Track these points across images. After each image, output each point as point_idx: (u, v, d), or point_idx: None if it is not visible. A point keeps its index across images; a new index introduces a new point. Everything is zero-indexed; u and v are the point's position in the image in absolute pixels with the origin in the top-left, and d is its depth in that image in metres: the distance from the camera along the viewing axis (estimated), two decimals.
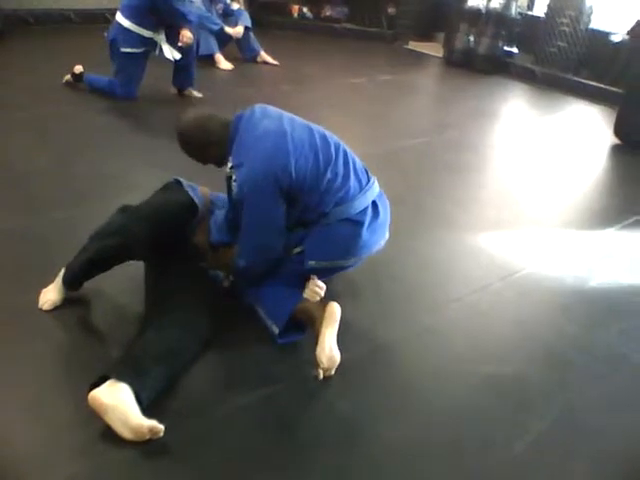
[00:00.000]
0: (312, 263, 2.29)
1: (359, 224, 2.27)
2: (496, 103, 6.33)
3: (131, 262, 2.38)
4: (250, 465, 1.80)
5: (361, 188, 2.29)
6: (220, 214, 2.46)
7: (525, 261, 3.11)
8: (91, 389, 1.81)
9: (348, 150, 2.35)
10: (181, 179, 2.51)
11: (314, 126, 2.33)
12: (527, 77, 7.03)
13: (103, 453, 1.77)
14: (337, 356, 2.11)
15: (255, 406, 2.01)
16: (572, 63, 6.76)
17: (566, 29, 6.67)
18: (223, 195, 2.49)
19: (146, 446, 1.78)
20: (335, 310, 2.16)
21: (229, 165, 2.23)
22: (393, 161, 4.10)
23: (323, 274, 2.37)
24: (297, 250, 2.33)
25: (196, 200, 2.45)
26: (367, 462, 1.87)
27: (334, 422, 2.01)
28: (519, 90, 6.85)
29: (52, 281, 2.35)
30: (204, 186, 2.56)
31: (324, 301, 2.25)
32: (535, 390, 2.25)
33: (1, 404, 1.92)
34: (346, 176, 2.25)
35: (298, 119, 2.33)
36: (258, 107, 2.33)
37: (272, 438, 1.90)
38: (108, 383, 1.80)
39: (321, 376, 2.12)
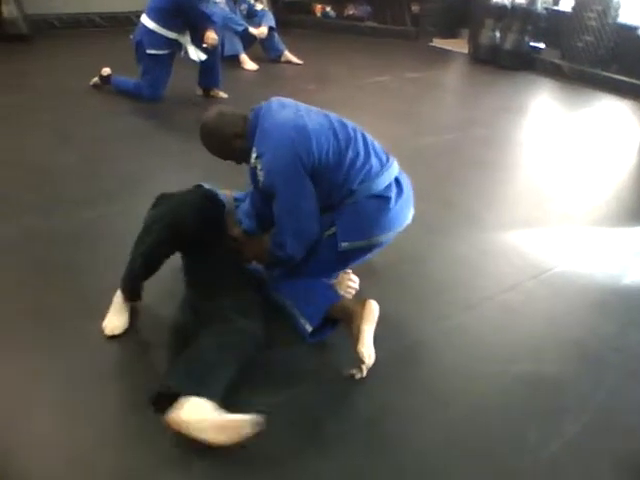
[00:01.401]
0: (345, 245, 2.29)
1: (386, 199, 2.29)
2: (523, 99, 6.26)
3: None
4: (276, 464, 1.78)
5: (382, 165, 2.31)
6: (246, 204, 2.48)
7: (557, 259, 3.06)
8: (157, 405, 1.79)
9: (366, 133, 2.37)
10: (202, 183, 2.52)
11: (330, 113, 2.37)
12: (554, 72, 6.94)
13: (134, 456, 1.78)
14: (373, 354, 2.11)
15: (281, 406, 1.99)
16: (600, 58, 6.66)
17: (593, 23, 6.56)
18: (243, 193, 2.55)
19: (175, 447, 1.78)
20: (374, 307, 2.18)
21: (253, 155, 2.24)
22: (420, 158, 4.07)
23: (355, 257, 2.38)
24: (328, 233, 2.32)
25: (220, 196, 2.49)
26: (393, 462, 1.85)
27: (361, 422, 1.99)
28: (546, 86, 6.77)
29: (84, 281, 2.36)
30: (227, 189, 2.57)
31: (359, 298, 2.24)
32: (569, 390, 2.21)
33: (29, 406, 1.94)
34: (367, 154, 2.28)
35: (314, 108, 2.37)
36: (274, 99, 2.36)
37: (298, 438, 1.89)
38: (181, 400, 1.75)
39: (362, 374, 2.11)
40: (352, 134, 2.28)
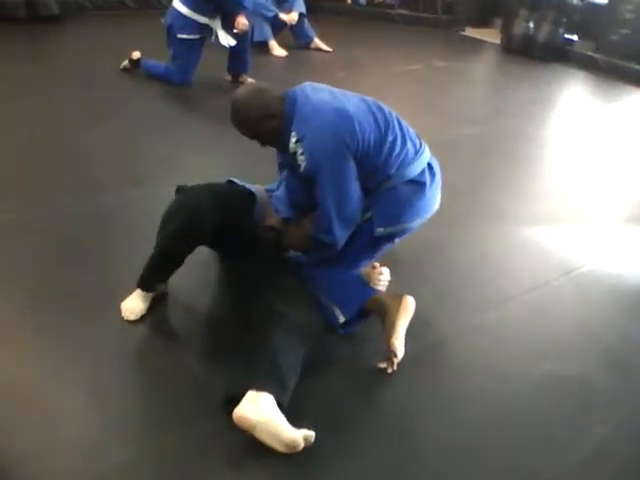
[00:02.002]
0: (380, 230, 2.28)
1: (422, 184, 2.29)
2: (555, 91, 6.16)
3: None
4: (299, 459, 1.77)
5: (416, 151, 2.30)
6: (280, 192, 2.46)
7: (585, 257, 3.01)
8: (229, 404, 1.79)
9: (400, 117, 2.35)
10: (232, 178, 2.51)
11: (366, 96, 2.33)
12: (588, 65, 6.82)
13: (153, 442, 1.79)
14: (403, 349, 2.11)
15: (305, 397, 1.98)
16: (636, 51, 6.51)
17: (630, 16, 6.43)
18: (273, 185, 2.51)
19: (195, 440, 1.78)
20: (410, 303, 2.18)
21: (293, 140, 2.18)
22: (449, 149, 4.01)
23: (386, 243, 2.38)
24: (363, 218, 2.30)
25: (252, 189, 2.45)
26: (415, 459, 1.84)
27: (383, 417, 1.99)
28: (579, 78, 6.65)
29: (108, 262, 2.37)
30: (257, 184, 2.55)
31: (395, 293, 2.25)
32: (596, 393, 2.18)
33: (58, 389, 1.96)
34: (403, 139, 2.27)
35: (348, 92, 2.32)
36: (307, 84, 2.31)
37: (322, 432, 1.87)
38: (249, 396, 1.76)
39: (394, 367, 2.11)
40: (389, 118, 2.26)
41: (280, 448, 1.72)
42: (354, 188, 2.20)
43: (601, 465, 1.88)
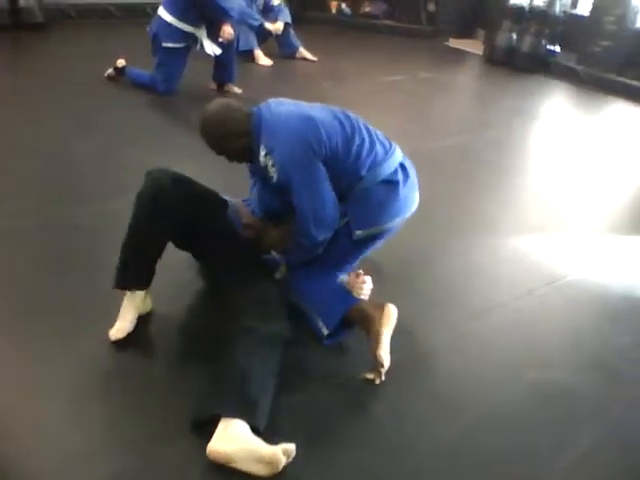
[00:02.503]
0: (359, 233, 2.30)
1: (396, 183, 2.31)
2: (537, 102, 6.22)
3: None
4: (286, 467, 1.75)
5: (386, 152, 2.33)
6: (255, 197, 2.50)
7: (571, 266, 3.03)
8: (196, 427, 1.79)
9: (367, 123, 2.39)
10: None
11: (331, 106, 2.38)
12: (570, 76, 6.89)
13: (139, 455, 1.76)
14: (389, 359, 2.10)
15: (292, 408, 1.98)
16: (617, 63, 6.60)
17: (611, 28, 6.51)
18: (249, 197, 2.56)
19: (181, 454, 1.76)
20: (392, 312, 2.18)
21: (262, 153, 2.23)
22: (433, 160, 4.04)
23: (367, 246, 2.39)
24: (341, 223, 2.31)
25: (224, 196, 2.50)
26: (404, 468, 1.83)
27: (372, 427, 1.98)
28: (561, 89, 6.73)
29: (95, 275, 2.35)
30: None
31: (377, 301, 2.25)
32: (582, 402, 2.19)
33: (45, 402, 1.92)
34: (372, 142, 2.30)
35: (314, 103, 2.37)
36: (271, 100, 2.36)
37: (309, 441, 1.87)
38: (220, 428, 1.73)
39: (381, 378, 2.10)
40: (356, 124, 2.30)
41: (262, 470, 1.68)
42: (327, 190, 2.22)
43: (587, 473, 1.89)
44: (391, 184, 2.30)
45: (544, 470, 1.88)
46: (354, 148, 2.24)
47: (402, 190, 2.32)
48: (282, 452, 1.68)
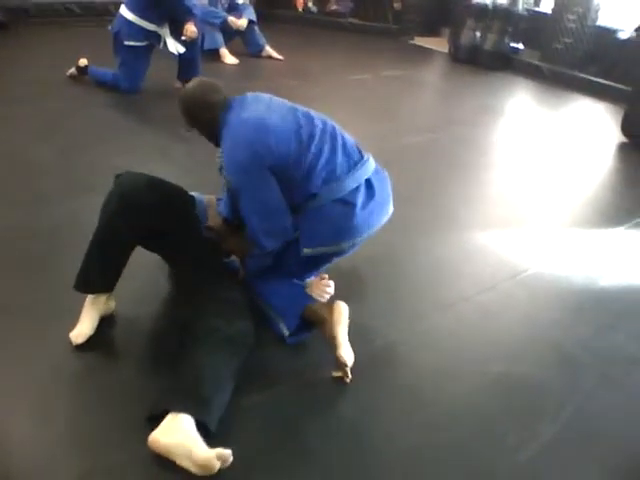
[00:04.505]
0: (307, 251, 2.23)
1: (351, 205, 2.19)
2: (502, 100, 6.29)
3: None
4: (253, 467, 1.76)
5: (350, 166, 2.22)
6: (225, 195, 2.45)
7: (534, 260, 3.07)
8: (151, 421, 1.76)
9: (338, 128, 2.30)
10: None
11: (300, 107, 2.31)
12: (533, 74, 6.99)
13: (105, 458, 1.75)
14: (352, 354, 2.10)
15: (259, 408, 1.98)
16: (579, 60, 6.72)
17: (573, 25, 6.63)
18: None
19: (147, 456, 1.73)
20: (343, 308, 2.17)
21: (219, 152, 2.25)
22: (399, 158, 4.06)
23: (323, 261, 2.36)
24: (295, 236, 2.27)
25: (194, 194, 2.47)
26: (372, 463, 1.84)
27: (339, 423, 1.98)
28: (525, 87, 6.81)
29: (58, 277, 2.31)
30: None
31: (335, 299, 2.23)
32: (545, 392, 2.22)
33: (10, 406, 1.89)
34: (332, 152, 2.20)
35: (287, 102, 2.33)
36: (249, 93, 2.32)
37: (276, 440, 1.87)
38: (168, 418, 1.72)
39: (349, 376, 2.10)
40: (318, 131, 2.20)
41: (194, 469, 1.67)
42: (275, 198, 2.17)
43: (549, 463, 1.91)
44: (347, 205, 2.19)
45: (509, 460, 1.90)
46: (308, 157, 2.15)
47: (360, 212, 2.20)
48: (217, 457, 1.66)
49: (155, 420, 1.76)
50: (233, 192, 2.24)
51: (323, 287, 2.39)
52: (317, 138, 2.18)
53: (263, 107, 2.22)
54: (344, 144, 2.25)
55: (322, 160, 2.17)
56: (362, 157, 2.29)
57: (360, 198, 2.21)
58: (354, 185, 2.20)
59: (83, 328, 2.14)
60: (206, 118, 2.28)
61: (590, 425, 2.09)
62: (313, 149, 2.16)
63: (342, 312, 2.15)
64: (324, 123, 2.26)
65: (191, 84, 2.34)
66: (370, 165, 2.30)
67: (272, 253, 2.28)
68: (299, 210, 2.22)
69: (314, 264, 2.37)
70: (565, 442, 1.99)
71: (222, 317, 2.05)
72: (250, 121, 2.16)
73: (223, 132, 2.21)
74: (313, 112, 2.31)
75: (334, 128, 2.28)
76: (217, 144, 2.32)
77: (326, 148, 2.19)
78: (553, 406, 2.15)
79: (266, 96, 2.32)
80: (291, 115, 2.22)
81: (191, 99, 2.29)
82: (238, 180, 2.16)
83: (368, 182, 2.25)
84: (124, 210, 2.12)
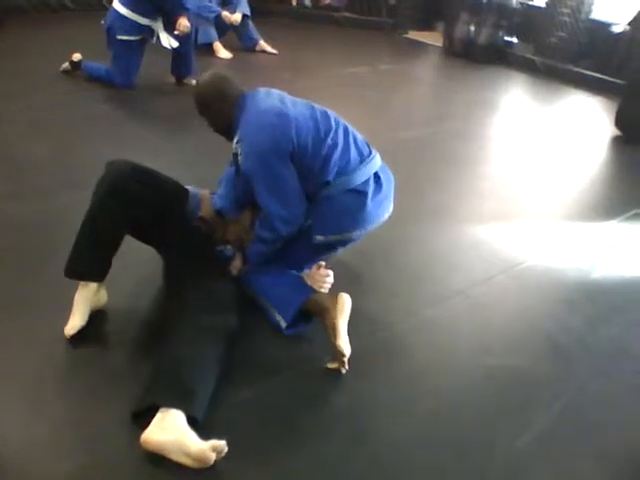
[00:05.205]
0: (319, 238, 2.31)
1: (363, 194, 2.30)
2: (496, 93, 6.29)
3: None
4: (248, 458, 1.77)
5: (362, 160, 2.33)
6: (221, 188, 2.50)
7: (527, 253, 3.09)
8: (137, 417, 1.77)
9: (348, 125, 2.40)
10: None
11: (315, 104, 2.39)
12: (527, 67, 6.99)
13: (107, 447, 1.75)
14: (349, 347, 2.11)
15: (254, 398, 1.99)
16: (572, 54, 6.72)
17: (567, 19, 6.63)
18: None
19: (140, 451, 1.73)
20: (346, 301, 2.18)
21: (235, 139, 2.27)
22: (394, 151, 4.03)
23: (328, 250, 2.41)
24: (306, 224, 2.32)
25: (186, 186, 2.47)
26: (367, 456, 1.85)
27: (334, 416, 2.00)
28: (519, 80, 6.81)
29: (52, 270, 2.31)
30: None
31: (331, 292, 2.24)
32: (539, 384, 2.23)
33: (1, 401, 1.90)
34: (346, 146, 2.30)
35: (300, 99, 2.40)
36: (262, 89, 2.39)
37: (271, 431, 1.88)
38: (157, 416, 1.72)
39: (345, 367, 2.11)
40: (333, 126, 2.30)
41: (190, 463, 1.68)
42: (292, 187, 2.23)
43: (543, 454, 1.93)
44: (359, 194, 2.29)
45: (503, 452, 1.92)
46: (325, 148, 2.24)
47: (370, 202, 2.30)
48: (212, 449, 1.67)
49: (141, 416, 1.76)
50: (248, 179, 2.26)
51: (323, 277, 2.41)
52: (332, 132, 2.28)
53: (278, 100, 2.30)
54: (355, 140, 2.36)
55: (337, 153, 2.26)
56: (371, 152, 2.39)
57: (370, 189, 2.31)
58: (365, 177, 2.31)
59: (74, 321, 2.15)
60: (218, 107, 2.34)
61: (583, 416, 2.10)
62: (329, 142, 2.26)
63: (345, 304, 2.17)
64: (337, 120, 2.36)
65: (207, 73, 2.40)
66: (377, 160, 2.40)
67: (282, 240, 2.31)
68: (312, 199, 2.30)
69: (321, 252, 2.42)
70: (559, 433, 2.01)
71: (206, 309, 2.06)
72: (273, 110, 2.23)
73: (241, 126, 2.25)
74: (328, 110, 2.39)
75: (345, 125, 2.38)
76: (226, 135, 2.38)
77: (341, 142, 2.29)
78: (547, 398, 2.16)
79: (277, 92, 2.39)
80: (308, 110, 2.31)
81: (205, 87, 2.36)
82: (259, 166, 2.20)
83: (376, 176, 2.36)
84: (112, 194, 2.15)
